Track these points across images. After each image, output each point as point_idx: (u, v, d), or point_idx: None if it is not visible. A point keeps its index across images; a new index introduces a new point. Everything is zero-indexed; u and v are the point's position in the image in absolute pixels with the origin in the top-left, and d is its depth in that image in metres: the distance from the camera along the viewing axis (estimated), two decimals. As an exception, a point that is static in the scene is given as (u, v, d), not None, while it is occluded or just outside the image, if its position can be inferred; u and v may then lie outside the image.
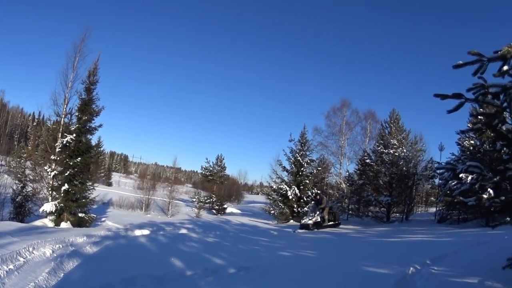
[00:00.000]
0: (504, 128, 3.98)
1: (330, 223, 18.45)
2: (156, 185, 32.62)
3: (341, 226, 19.07)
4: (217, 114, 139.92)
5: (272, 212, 23.89)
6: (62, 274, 5.21)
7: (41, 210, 14.24)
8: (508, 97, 3.83)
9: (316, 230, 17.00)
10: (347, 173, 29.45)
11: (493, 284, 4.29)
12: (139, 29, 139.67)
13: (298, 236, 14.10)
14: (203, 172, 37.71)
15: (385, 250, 9.48)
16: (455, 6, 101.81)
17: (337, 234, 15.31)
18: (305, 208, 22.75)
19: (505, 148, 4.24)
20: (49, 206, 14.00)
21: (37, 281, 4.65)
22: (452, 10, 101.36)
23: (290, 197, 23.22)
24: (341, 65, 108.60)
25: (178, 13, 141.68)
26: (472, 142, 17.75)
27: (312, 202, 19.80)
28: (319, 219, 17.70)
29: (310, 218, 17.75)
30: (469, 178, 4.65)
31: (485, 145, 15.64)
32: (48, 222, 13.97)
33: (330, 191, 35.13)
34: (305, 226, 17.22)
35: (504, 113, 3.88)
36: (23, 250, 5.96)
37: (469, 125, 16.64)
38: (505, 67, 3.72)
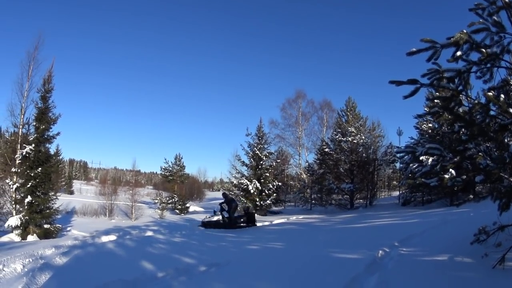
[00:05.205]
0: (461, 110, 4.28)
1: (242, 224, 16.63)
2: (118, 190, 32.04)
3: (305, 215, 19.58)
4: (172, 113, 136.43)
5: (235, 207, 23.96)
6: (37, 289, 5.24)
7: (6, 225, 14.30)
8: (463, 81, 4.18)
9: (220, 229, 15.13)
10: (307, 163, 30.30)
11: (463, 259, 4.60)
12: (86, 31, 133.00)
13: (263, 229, 14.43)
14: (163, 173, 37.70)
15: (353, 236, 9.92)
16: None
17: (302, 224, 15.81)
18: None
19: (463, 129, 4.53)
20: (14, 220, 14.23)
21: (11, 299, 4.66)
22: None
23: (252, 191, 23.54)
24: (294, 56, 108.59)
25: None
26: (430, 125, 18.79)
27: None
28: (220, 219, 16.22)
29: (210, 216, 16.92)
30: (430, 160, 5.00)
31: (443, 127, 16.48)
32: (14, 236, 14.14)
33: (291, 182, 35.92)
34: (205, 224, 16.19)
35: (460, 96, 4.20)
36: (-7, 268, 5.90)
37: (426, 109, 17.56)
38: (459, 53, 4.06)
